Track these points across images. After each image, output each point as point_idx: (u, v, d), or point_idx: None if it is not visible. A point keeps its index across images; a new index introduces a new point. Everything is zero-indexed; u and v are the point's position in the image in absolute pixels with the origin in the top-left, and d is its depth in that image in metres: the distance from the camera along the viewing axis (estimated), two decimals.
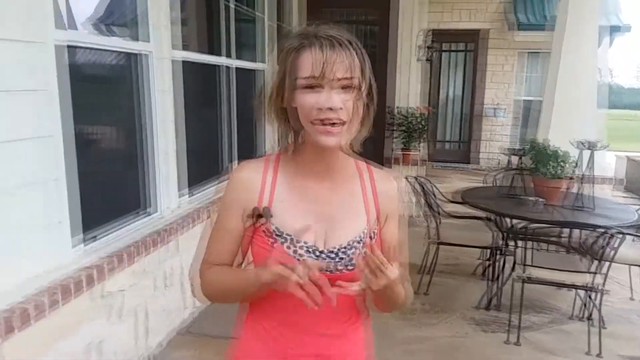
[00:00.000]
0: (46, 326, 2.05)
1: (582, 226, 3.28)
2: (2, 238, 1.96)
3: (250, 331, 1.20)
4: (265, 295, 1.12)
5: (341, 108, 1.01)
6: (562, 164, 3.60)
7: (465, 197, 3.78)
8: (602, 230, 2.97)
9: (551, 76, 5.51)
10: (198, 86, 3.93)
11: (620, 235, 2.93)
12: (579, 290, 3.46)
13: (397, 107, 6.29)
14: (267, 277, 0.99)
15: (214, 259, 1.18)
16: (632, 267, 3.76)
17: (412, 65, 6.49)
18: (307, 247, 1.09)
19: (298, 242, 1.09)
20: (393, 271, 1.00)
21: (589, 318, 3.29)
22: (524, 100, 9.50)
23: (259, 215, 1.10)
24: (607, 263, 3.04)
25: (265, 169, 1.15)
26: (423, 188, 3.87)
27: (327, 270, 1.05)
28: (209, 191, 3.87)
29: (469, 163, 9.70)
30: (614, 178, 6.30)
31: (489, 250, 3.92)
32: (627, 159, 8.66)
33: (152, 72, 3.07)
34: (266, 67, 5.05)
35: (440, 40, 8.78)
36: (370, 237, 1.15)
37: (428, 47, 6.98)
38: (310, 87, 1.01)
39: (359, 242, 1.12)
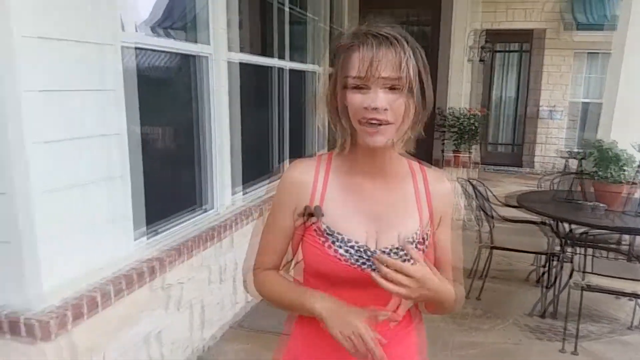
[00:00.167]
0: (112, 314, 2.16)
1: None
2: (72, 230, 2.08)
3: (300, 330, 1.20)
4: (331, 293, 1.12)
5: (386, 109, 1.00)
6: (624, 167, 3.45)
7: (521, 201, 3.69)
8: None
9: (612, 78, 5.27)
10: (252, 87, 4.02)
11: None
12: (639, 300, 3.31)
13: (449, 108, 6.20)
14: (319, 314, 1.05)
15: (266, 257, 1.20)
16: None
17: (464, 66, 6.38)
18: (358, 246, 1.08)
19: (349, 241, 1.08)
20: (418, 270, 0.99)
21: None
22: (582, 103, 9.14)
23: (310, 214, 1.11)
24: None
25: (317, 168, 1.15)
26: (476, 191, 3.80)
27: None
28: (261, 189, 3.95)
29: (521, 166, 9.42)
30: None
31: (543, 256, 3.80)
32: None
33: (211, 73, 3.18)
34: (318, 68, 5.10)
35: (494, 41, 8.58)
36: (423, 239, 1.13)
37: (481, 48, 6.85)
38: (357, 86, 1.01)
39: (411, 243, 1.10)
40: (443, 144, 6.27)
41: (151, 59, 2.85)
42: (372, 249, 1.09)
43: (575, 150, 7.88)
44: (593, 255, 3.13)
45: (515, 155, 9.64)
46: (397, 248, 1.09)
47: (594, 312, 3.56)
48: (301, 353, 1.20)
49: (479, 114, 6.40)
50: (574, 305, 3.09)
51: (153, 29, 3.04)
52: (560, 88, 9.13)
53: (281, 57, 4.37)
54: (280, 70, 4.37)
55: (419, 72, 1.02)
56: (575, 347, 3.07)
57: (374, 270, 1.02)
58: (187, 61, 3.08)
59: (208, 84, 3.18)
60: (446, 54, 6.30)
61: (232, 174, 3.52)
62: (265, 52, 4.26)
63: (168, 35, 3.19)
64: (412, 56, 1.00)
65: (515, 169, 9.34)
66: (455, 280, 1.19)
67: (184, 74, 3.12)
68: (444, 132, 6.25)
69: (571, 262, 3.30)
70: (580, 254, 3.09)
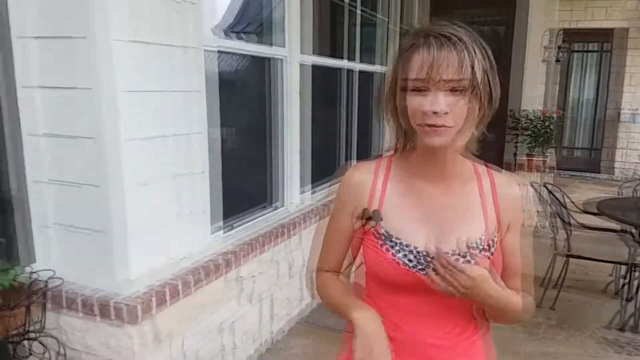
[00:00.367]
0: (191, 303, 2.29)
1: None
2: (157, 222, 2.21)
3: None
4: (378, 301, 1.13)
5: (447, 112, 0.96)
6: None
7: (601, 208, 3.51)
8: None
9: None
10: (322, 88, 4.09)
11: None
12: None
13: (522, 111, 5.99)
14: (354, 320, 1.06)
15: (327, 258, 1.21)
16: None
17: (539, 67, 6.14)
18: (417, 251, 1.06)
19: (407, 246, 1.07)
20: (471, 274, 0.97)
21: None
22: None
23: (369, 217, 1.10)
24: None
25: (377, 171, 1.13)
26: (552, 196, 3.65)
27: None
28: (328, 189, 4.01)
29: (599, 172, 8.90)
30: None
31: (624, 267, 3.60)
32: None
33: (285, 75, 3.27)
34: (387, 70, 5.10)
35: (571, 40, 8.18)
36: (489, 245, 1.08)
37: (558, 48, 6.56)
38: (417, 89, 0.98)
39: (474, 249, 1.06)
40: (515, 147, 6.06)
41: (229, 62, 2.98)
42: (430, 255, 1.05)
43: None
44: None
45: (593, 160, 9.13)
46: (457, 253, 1.05)
47: None
48: None
49: (554, 115, 6.13)
50: None
51: (227, 32, 3.18)
52: None
53: (351, 58, 4.41)
54: (350, 71, 4.42)
55: (485, 71, 0.98)
56: None
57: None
58: (263, 63, 3.19)
59: (282, 85, 3.28)
60: (520, 54, 6.08)
61: (302, 174, 3.60)
62: (335, 53, 4.32)
63: (240, 39, 3.31)
64: (477, 56, 0.96)
65: (593, 175, 8.84)
66: (525, 289, 1.15)
67: (259, 76, 3.23)
68: (517, 135, 6.04)
69: None
70: None
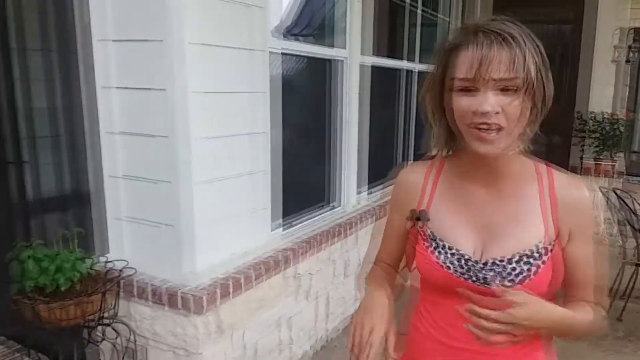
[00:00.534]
0: (252, 296, 2.36)
1: None
2: (221, 218, 2.30)
3: (413, 336, 1.18)
4: (427, 304, 1.12)
5: (498, 112, 0.91)
6: None
7: None
8: None
9: None
10: (380, 89, 4.08)
11: None
12: None
13: (590, 112, 5.73)
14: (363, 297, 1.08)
15: (382, 256, 1.22)
16: None
17: (608, 67, 5.86)
18: (459, 255, 1.03)
19: (450, 248, 1.04)
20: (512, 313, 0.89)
21: None
22: None
23: (417, 217, 1.09)
24: None
25: (428, 172, 1.12)
26: (621, 202, 3.49)
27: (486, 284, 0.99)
28: (384, 190, 4.00)
29: None
30: None
31: None
32: None
33: (345, 76, 3.31)
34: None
35: None
36: (542, 254, 1.00)
37: (629, 47, 6.22)
38: (465, 89, 0.93)
39: (529, 257, 0.99)
40: (582, 150, 5.80)
41: (291, 63, 3.05)
42: (474, 260, 1.02)
43: None
44: None
45: None
46: (506, 260, 1.00)
47: None
48: (417, 353, 1.16)
49: (624, 118, 5.83)
50: None
51: (285, 35, 3.24)
52: None
53: (410, 59, 4.39)
54: (409, 72, 4.39)
55: (539, 69, 0.92)
56: None
57: (474, 282, 1.00)
58: (323, 65, 3.23)
59: (341, 86, 3.31)
60: (588, 54, 5.82)
61: (359, 174, 3.62)
62: (395, 54, 4.30)
63: (298, 41, 3.37)
64: (530, 53, 0.90)
65: None
66: (598, 302, 1.07)
67: (319, 77, 3.28)
68: (584, 137, 5.78)
69: None
70: None
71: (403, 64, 4.30)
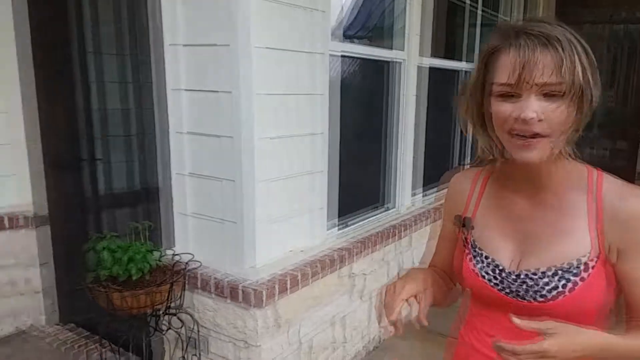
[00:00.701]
0: (308, 293, 2.42)
1: None
2: (280, 216, 2.38)
3: (459, 344, 1.17)
4: (472, 313, 1.11)
5: (540, 120, 0.86)
6: None
7: None
8: None
9: None
10: (438, 90, 4.06)
11: None
12: None
13: None
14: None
15: (435, 258, 1.23)
16: None
17: None
18: (494, 265, 1.01)
19: (487, 258, 1.03)
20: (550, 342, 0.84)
21: None
22: None
23: (463, 224, 1.09)
24: None
25: (476, 179, 1.10)
26: None
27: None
28: (439, 193, 3.98)
29: None
30: None
31: None
32: None
33: (402, 78, 3.32)
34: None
35: None
36: (586, 269, 0.93)
37: None
38: (506, 94, 0.89)
39: (565, 271, 0.93)
40: None
41: (348, 65, 3.09)
42: (507, 270, 1.00)
43: None
44: None
45: None
46: (540, 272, 0.95)
47: None
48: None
49: None
50: None
51: (341, 37, 3.28)
52: None
53: (469, 60, 4.33)
54: (467, 73, 4.33)
55: (585, 72, 0.86)
56: None
57: (507, 294, 0.98)
58: (381, 66, 3.26)
59: (399, 88, 3.32)
60: None
61: (414, 176, 3.62)
62: (454, 55, 4.26)
63: (352, 43, 3.40)
64: (576, 56, 0.85)
65: None
66: None
67: (376, 79, 3.30)
68: None
69: None
70: None
71: (462, 65, 4.25)
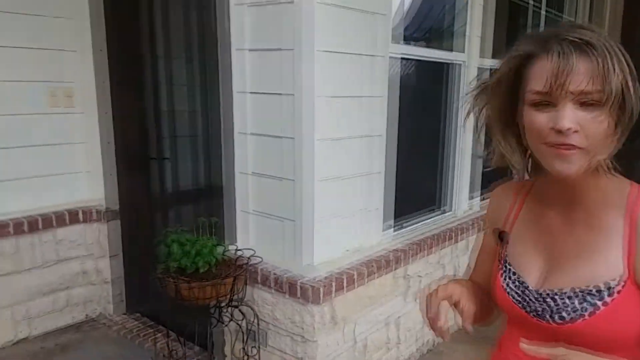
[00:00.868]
0: (363, 292, 2.46)
1: None
2: (338, 215, 2.43)
3: (500, 351, 1.12)
4: (506, 330, 1.07)
5: (576, 131, 0.80)
6: None
7: None
8: None
9: None
10: None
11: None
12: None
13: None
14: None
15: (476, 270, 1.19)
16: None
17: None
18: (519, 282, 0.98)
19: (514, 274, 1.00)
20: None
21: None
22: None
23: (500, 238, 1.06)
24: None
25: (517, 192, 1.06)
26: None
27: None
28: (485, 201, 3.91)
29: None
30: None
31: None
32: None
33: (462, 80, 3.29)
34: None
35: None
36: (611, 293, 0.86)
37: None
38: (539, 103, 0.83)
39: (588, 294, 0.87)
40: None
41: (407, 67, 3.10)
42: (530, 288, 0.96)
43: None
44: None
45: None
46: (561, 293, 0.91)
47: None
48: None
49: None
50: None
51: (406, 38, 3.29)
52: None
53: None
54: None
55: (625, 80, 0.80)
56: None
57: (528, 312, 0.95)
58: (440, 68, 3.25)
59: (458, 90, 3.30)
60: None
61: (472, 179, 3.58)
62: None
63: (408, 44, 3.40)
64: (614, 63, 0.79)
65: None
66: None
67: (435, 81, 3.30)
68: None
69: None
70: None
71: None
